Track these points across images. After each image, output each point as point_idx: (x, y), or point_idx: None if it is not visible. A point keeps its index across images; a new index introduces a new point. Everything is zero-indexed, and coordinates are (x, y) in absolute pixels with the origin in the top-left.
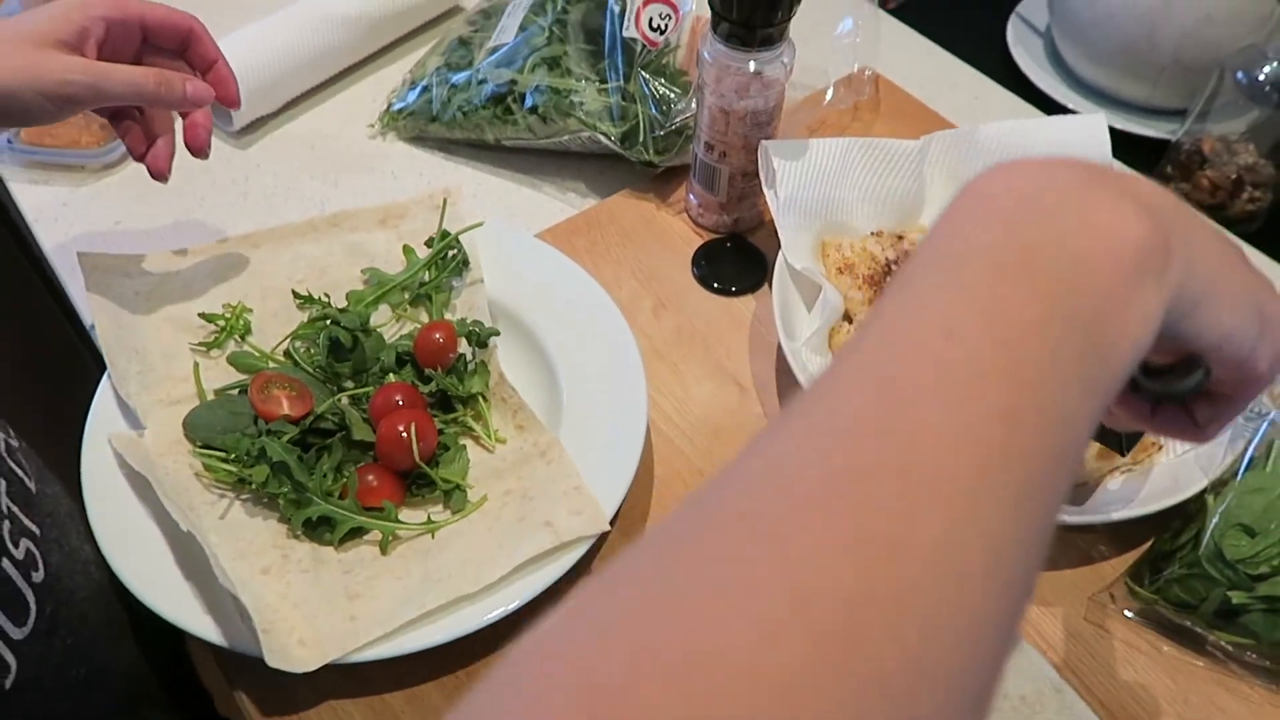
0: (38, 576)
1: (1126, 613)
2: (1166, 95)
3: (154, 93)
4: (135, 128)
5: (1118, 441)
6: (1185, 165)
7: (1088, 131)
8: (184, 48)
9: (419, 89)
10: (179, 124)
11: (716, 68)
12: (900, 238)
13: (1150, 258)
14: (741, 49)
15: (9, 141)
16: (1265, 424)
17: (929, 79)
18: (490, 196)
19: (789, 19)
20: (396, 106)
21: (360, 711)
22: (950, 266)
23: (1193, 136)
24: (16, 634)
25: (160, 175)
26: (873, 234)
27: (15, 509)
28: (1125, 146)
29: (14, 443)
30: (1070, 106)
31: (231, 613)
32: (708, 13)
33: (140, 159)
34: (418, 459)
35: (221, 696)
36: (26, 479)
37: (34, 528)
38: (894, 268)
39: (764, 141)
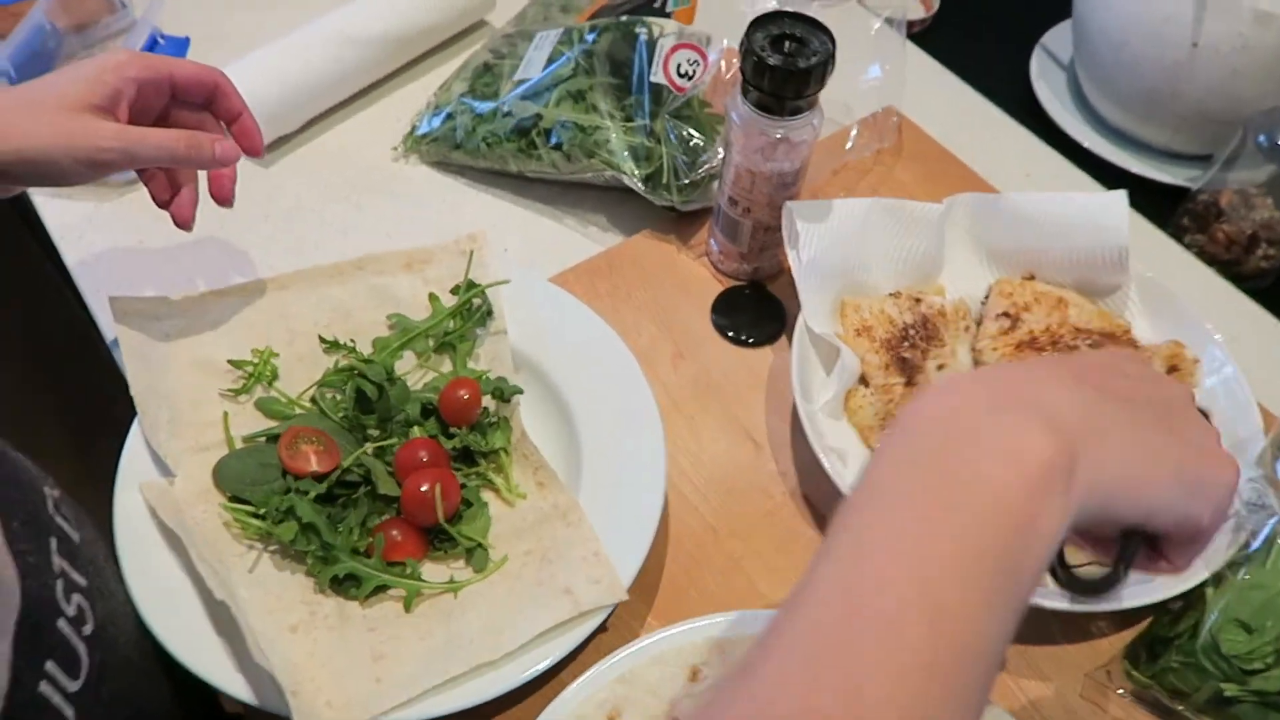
0: (87, 629)
1: (1121, 692)
2: (1188, 141)
3: (185, 156)
4: (159, 176)
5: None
6: (1202, 217)
7: (1106, 211)
8: (210, 101)
9: (443, 115)
10: (202, 173)
11: (744, 130)
12: (918, 300)
13: (1054, 475)
14: (770, 117)
15: None
16: (1273, 521)
17: (950, 114)
18: (511, 226)
19: (819, 91)
20: (420, 131)
21: None
22: (886, 506)
23: (1212, 188)
24: (72, 686)
25: (185, 225)
26: (891, 295)
27: (65, 565)
28: (1143, 193)
29: (56, 493)
30: (1088, 146)
31: (262, 671)
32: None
33: (164, 207)
34: (441, 518)
35: None
36: (71, 531)
37: (81, 580)
38: (910, 332)
39: (789, 203)
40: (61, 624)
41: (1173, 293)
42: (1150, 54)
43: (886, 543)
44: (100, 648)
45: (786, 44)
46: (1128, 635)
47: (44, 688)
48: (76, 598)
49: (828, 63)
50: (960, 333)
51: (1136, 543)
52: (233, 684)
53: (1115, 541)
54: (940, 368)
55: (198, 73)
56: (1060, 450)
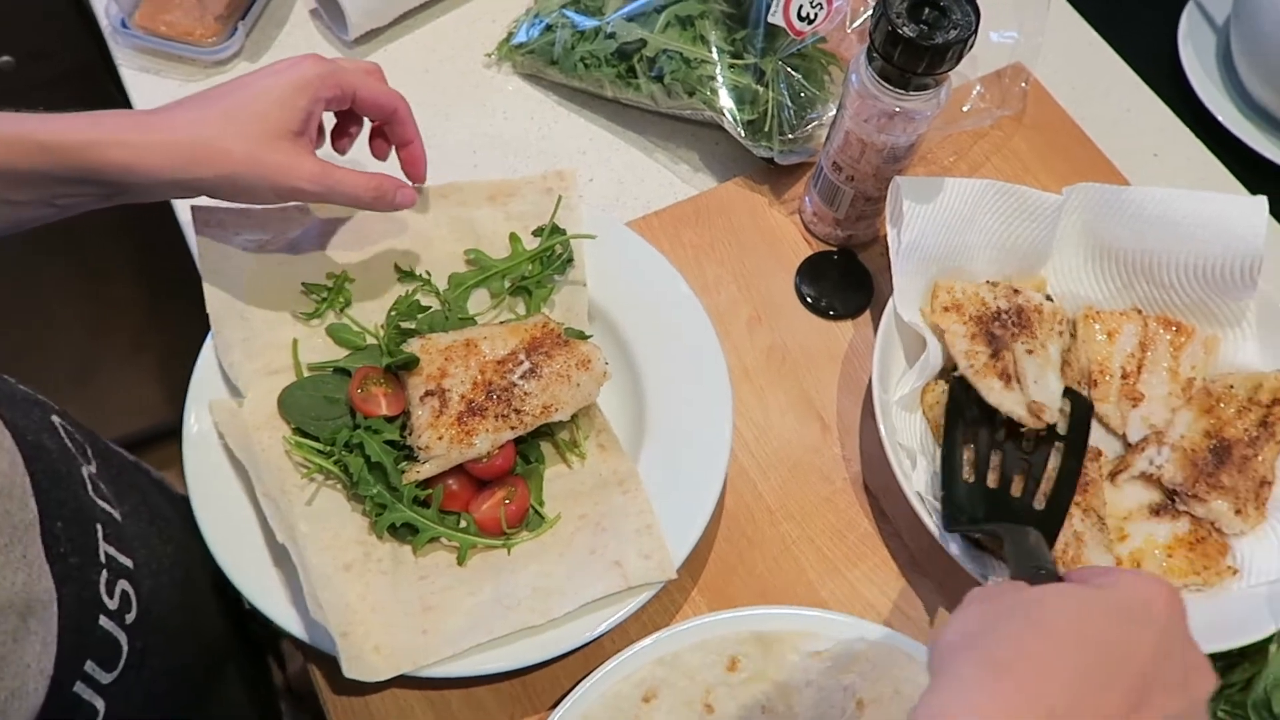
0: (130, 617)
1: None
2: None
3: (369, 203)
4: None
5: None
6: None
7: (1242, 216)
8: (385, 124)
9: (542, 25)
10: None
11: (860, 97)
12: (1016, 291)
13: None
14: (892, 90)
15: (123, 23)
16: None
17: (1083, 77)
18: (598, 154)
19: (952, 68)
20: (517, 39)
21: (419, 704)
22: None
23: None
24: (106, 678)
25: (420, 180)
26: (989, 283)
27: (112, 550)
28: None
29: (92, 469)
30: (1230, 129)
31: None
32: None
33: (380, 158)
34: (505, 529)
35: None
36: (113, 510)
37: (127, 561)
38: (1003, 315)
39: (897, 178)
40: (104, 620)
41: None
42: None
43: None
44: (144, 631)
45: (926, 11)
46: None
47: (78, 687)
48: (121, 585)
49: (968, 40)
50: (1053, 335)
51: None
52: (287, 619)
53: None
54: (1029, 352)
55: (379, 97)
56: None
